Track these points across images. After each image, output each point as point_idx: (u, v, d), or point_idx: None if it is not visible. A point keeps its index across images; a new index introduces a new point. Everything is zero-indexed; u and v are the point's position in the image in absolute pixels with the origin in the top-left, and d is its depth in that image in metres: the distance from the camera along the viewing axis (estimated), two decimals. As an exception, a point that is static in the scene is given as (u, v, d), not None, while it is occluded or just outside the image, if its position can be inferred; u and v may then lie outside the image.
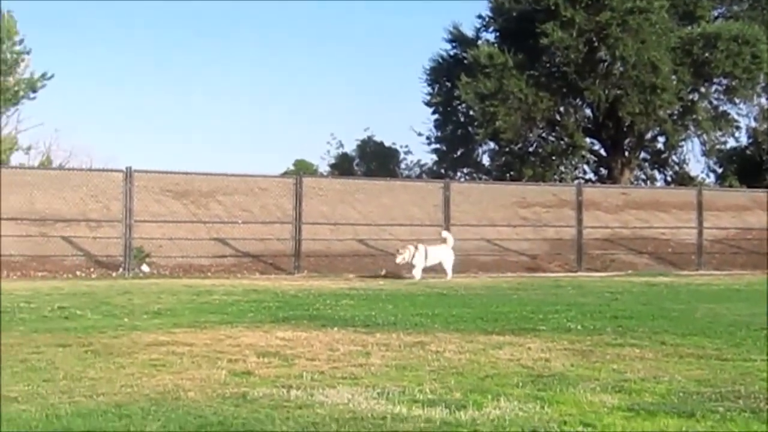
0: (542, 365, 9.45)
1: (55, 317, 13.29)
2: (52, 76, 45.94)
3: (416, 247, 23.05)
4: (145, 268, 23.02)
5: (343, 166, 49.44)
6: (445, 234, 24.11)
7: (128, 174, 23.13)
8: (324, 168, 50.57)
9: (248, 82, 75.66)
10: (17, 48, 45.26)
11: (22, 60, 45.60)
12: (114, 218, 24.08)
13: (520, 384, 8.38)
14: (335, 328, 12.18)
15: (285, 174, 40.29)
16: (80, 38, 72.88)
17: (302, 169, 45.44)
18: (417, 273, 22.88)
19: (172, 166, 47.65)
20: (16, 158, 46.14)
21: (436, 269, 23.50)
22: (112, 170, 26.03)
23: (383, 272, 24.49)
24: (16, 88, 45.60)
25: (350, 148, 51.12)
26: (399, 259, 23.01)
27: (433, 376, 8.76)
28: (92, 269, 22.95)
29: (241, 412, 7.18)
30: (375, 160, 49.41)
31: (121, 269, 22.70)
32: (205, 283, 20.50)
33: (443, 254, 23.55)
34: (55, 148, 48.17)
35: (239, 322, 12.86)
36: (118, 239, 23.29)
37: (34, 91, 46.03)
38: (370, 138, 50.35)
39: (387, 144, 50.45)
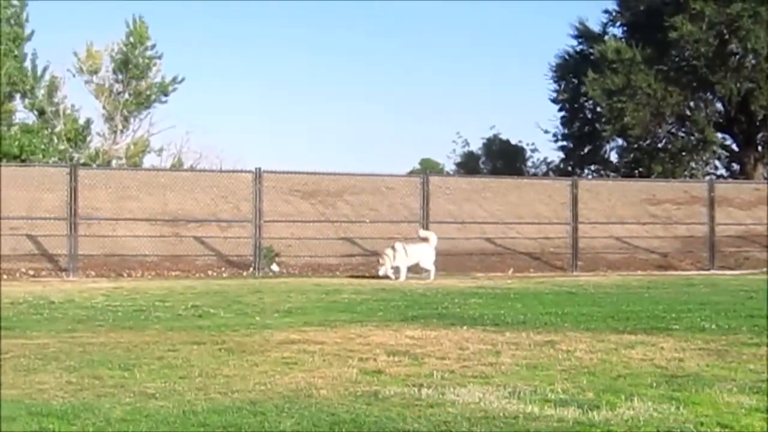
0: (676, 365, 9.29)
1: (189, 316, 13.57)
2: (183, 80, 47.05)
3: (393, 248, 21.68)
4: (274, 267, 23.32)
5: (469, 165, 49.35)
6: (424, 233, 22.73)
7: (258, 175, 23.46)
8: (450, 167, 50.60)
9: (374, 82, 76.14)
10: (149, 53, 46.38)
11: (154, 64, 46.72)
12: (244, 218, 24.45)
13: (654, 384, 8.25)
14: (464, 327, 12.16)
15: (411, 173, 40.41)
16: (210, 41, 74.23)
17: (428, 168, 45.50)
18: (402, 274, 21.50)
19: (300, 166, 48.25)
20: (149, 160, 47.38)
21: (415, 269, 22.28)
22: (241, 171, 26.46)
23: (510, 271, 24.36)
24: (148, 92, 46.74)
25: (476, 146, 51.05)
26: (382, 271, 21.49)
27: (564, 376, 8.68)
28: (223, 269, 23.36)
29: (372, 410, 7.23)
30: (501, 158, 49.19)
31: (251, 268, 23.04)
32: (333, 282, 20.70)
33: (423, 253, 22.01)
34: (186, 150, 49.27)
35: (369, 320, 12.94)
36: (248, 239, 23.64)
37: (166, 95, 47.16)
38: (495, 136, 50.18)
39: (513, 142, 50.21)
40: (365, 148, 72.05)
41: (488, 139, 50.27)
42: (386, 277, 21.28)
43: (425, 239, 22.20)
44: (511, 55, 78.97)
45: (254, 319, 13.03)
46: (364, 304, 15.27)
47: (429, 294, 17.44)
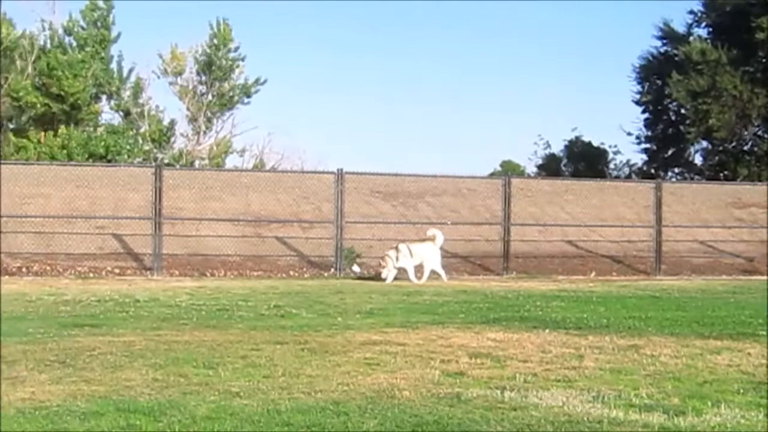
0: (764, 372, 9.13)
1: (271, 315, 13.67)
2: (265, 81, 47.43)
3: (397, 249, 21.11)
4: (356, 268, 23.36)
5: (550, 167, 48.98)
6: (432, 232, 22.14)
7: (339, 176, 23.56)
8: (531, 169, 50.24)
9: (455, 83, 75.97)
10: (232, 55, 46.85)
11: (237, 66, 47.19)
12: (326, 219, 24.57)
13: (741, 391, 8.13)
14: (546, 330, 12.09)
15: (492, 175, 40.26)
16: (292, 42, 74.73)
17: (510, 170, 45.29)
18: (410, 275, 21.04)
19: (382, 167, 48.27)
20: (231, 161, 47.86)
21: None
22: (323, 172, 26.60)
23: (593, 274, 24.16)
24: (231, 94, 47.22)
25: (558, 148, 50.61)
26: (385, 273, 20.89)
27: (648, 381, 8.59)
28: (305, 269, 23.49)
29: (455, 412, 7.22)
30: (583, 161, 48.74)
31: (332, 269, 23.14)
32: (415, 283, 20.70)
33: (427, 253, 21.47)
34: (267, 151, 49.69)
35: (450, 322, 12.93)
36: (329, 240, 23.74)
37: (248, 96, 47.60)
38: (578, 138, 49.71)
39: (595, 144, 49.72)
40: (446, 149, 71.85)
41: (570, 141, 49.85)
42: (393, 278, 20.86)
43: (431, 239, 21.72)
44: (594, 56, 78.25)
45: (336, 320, 13.09)
46: (446, 306, 15.26)
47: (510, 296, 17.37)
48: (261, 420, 6.88)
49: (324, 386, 8.19)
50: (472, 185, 29.76)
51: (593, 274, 24.26)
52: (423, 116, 75.18)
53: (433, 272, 21.43)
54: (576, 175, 45.93)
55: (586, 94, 76.10)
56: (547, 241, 26.70)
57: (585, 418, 7.04)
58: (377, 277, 20.99)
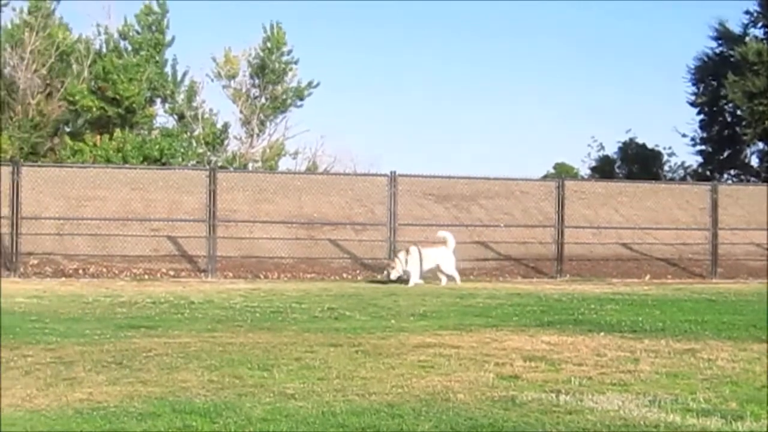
0: (823, 376, 9.01)
1: (325, 318, 13.71)
2: (318, 84, 47.54)
3: (407, 251, 20.92)
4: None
5: (604, 169, 48.64)
6: (443, 234, 21.73)
7: (392, 178, 23.58)
8: (584, 171, 49.92)
9: (508, 84, 75.75)
10: (285, 58, 47.03)
11: (290, 69, 47.36)
12: (378, 221, 24.60)
13: (801, 395, 8.03)
14: (601, 333, 12.01)
15: (545, 177, 40.08)
16: (344, 45, 74.92)
17: (563, 172, 45.06)
18: (413, 278, 20.67)
19: (434, 169, 48.14)
20: (284, 163, 48.01)
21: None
22: (376, 175, 26.61)
23: (647, 277, 23.98)
24: (284, 97, 47.39)
25: (611, 150, 50.25)
26: (394, 275, 20.76)
27: (706, 385, 8.50)
28: (358, 271, 23.53)
29: (510, 415, 7.19)
30: (637, 163, 48.34)
31: (385, 271, 23.13)
32: (467, 285, 20.67)
33: (441, 256, 21.16)
34: (320, 154, 49.75)
35: (504, 325, 12.89)
36: (382, 242, 23.77)
37: (301, 99, 47.73)
38: (631, 140, 49.30)
39: (649, 146, 49.29)
40: (499, 151, 71.65)
41: (624, 143, 49.46)
42: (402, 281, 20.64)
43: (444, 241, 21.37)
44: (648, 57, 77.65)
45: (390, 322, 13.10)
46: (499, 309, 15.22)
47: (564, 299, 17.28)
48: (316, 422, 6.90)
49: (378, 388, 8.19)
50: (525, 187, 29.65)
51: (648, 277, 24.08)
52: (476, 118, 74.99)
53: (448, 276, 21.13)
54: (630, 177, 45.58)
55: (641, 95, 75.50)
56: (601, 243, 26.55)
57: (641, 423, 6.98)
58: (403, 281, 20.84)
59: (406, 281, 20.57)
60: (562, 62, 75.17)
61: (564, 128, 73.18)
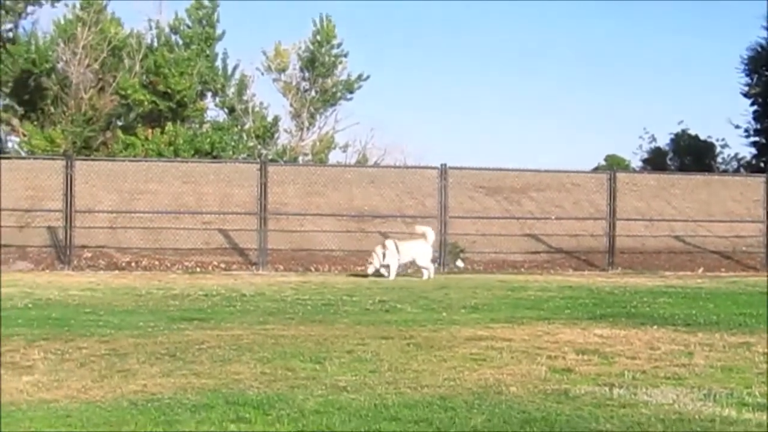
0: None
1: (376, 310, 13.71)
2: (368, 77, 47.61)
3: (384, 246, 20.31)
4: (459, 263, 23.34)
5: (655, 161, 48.26)
6: (421, 228, 21.04)
7: (443, 171, 23.51)
8: (636, 163, 49.55)
9: (558, 76, 75.38)
10: (335, 51, 47.13)
11: (340, 62, 47.45)
12: (429, 214, 24.53)
13: None
14: (654, 327, 11.92)
15: (596, 169, 39.82)
16: (394, 38, 74.89)
17: (614, 164, 44.75)
18: (392, 272, 20.11)
19: (484, 162, 47.92)
20: (334, 156, 48.13)
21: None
22: (427, 167, 26.53)
23: (700, 270, 23.76)
24: (334, 90, 47.50)
25: (663, 142, 49.84)
26: (371, 270, 20.19)
27: (761, 379, 8.42)
28: (408, 264, 23.47)
29: (563, 408, 7.16)
30: (690, 155, 47.91)
31: (436, 264, 23.07)
32: (518, 278, 20.59)
33: (418, 250, 20.58)
34: (370, 146, 49.81)
35: (556, 318, 12.82)
36: (433, 235, 23.70)
37: (351, 92, 47.83)
38: (684, 131, 48.87)
39: (702, 137, 48.83)
40: (550, 144, 71.34)
41: (676, 135, 49.05)
42: (379, 275, 20.12)
43: (422, 235, 20.82)
44: (700, 48, 76.86)
45: (441, 315, 13.08)
46: (551, 302, 15.14)
47: (616, 292, 17.16)
48: (368, 414, 6.91)
49: (430, 381, 8.18)
50: (576, 180, 29.50)
51: (701, 269, 23.85)
52: (526, 110, 74.67)
53: (421, 267, 20.54)
54: (682, 169, 45.19)
55: (693, 86, 74.78)
56: (653, 236, 26.31)
57: (696, 417, 6.92)
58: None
59: (386, 276, 20.10)
60: (615, 53, 74.65)
61: (615, 120, 72.74)
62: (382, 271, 20.18)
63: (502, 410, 7.06)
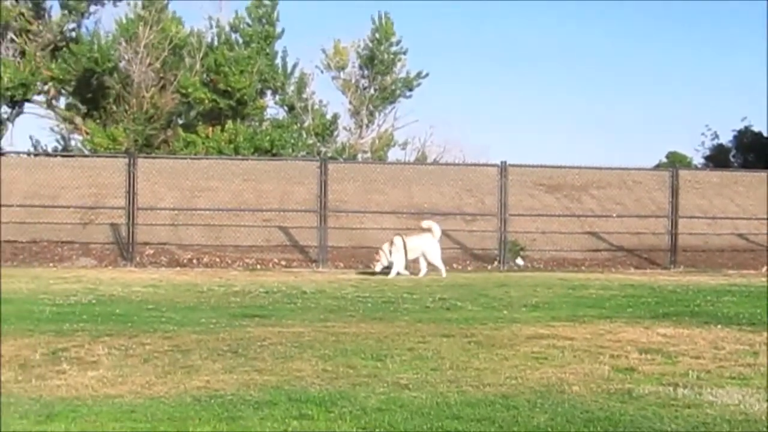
0: None
1: (436, 308, 13.68)
2: (426, 75, 47.54)
3: (391, 242, 19.92)
4: (519, 261, 23.25)
5: (718, 158, 47.74)
6: (427, 223, 20.63)
7: (503, 168, 23.41)
8: (698, 160, 49.03)
9: (618, 73, 74.77)
10: (394, 49, 47.13)
11: (399, 60, 47.44)
12: (488, 212, 24.45)
13: None
14: (718, 326, 11.76)
15: (658, 166, 39.47)
16: (452, 35, 74.73)
17: (676, 161, 44.31)
18: (399, 268, 19.74)
19: (544, 159, 47.68)
20: (393, 154, 48.13)
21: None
22: (486, 165, 26.44)
23: (765, 269, 23.43)
24: (393, 87, 47.51)
25: (726, 138, 49.29)
26: (379, 267, 19.83)
27: (830, 380, 8.29)
28: (468, 262, 23.44)
29: (627, 408, 7.11)
30: (753, 151, 47.30)
31: (496, 262, 23.03)
32: (579, 276, 20.44)
33: (426, 245, 20.14)
34: (429, 144, 49.74)
35: (618, 317, 12.70)
36: (493, 233, 23.62)
37: (410, 90, 47.80)
38: (747, 128, 48.27)
39: (765, 134, 48.18)
40: (610, 140, 70.77)
41: (739, 132, 48.47)
42: (384, 273, 19.71)
43: (428, 230, 20.37)
44: (763, 43, 75.75)
45: (502, 313, 13.02)
46: (613, 300, 15.02)
47: (679, 291, 16.97)
48: (431, 412, 6.90)
49: (492, 379, 8.16)
50: (637, 177, 29.25)
51: (765, 268, 23.52)
52: (586, 107, 74.23)
53: (431, 266, 20.19)
54: (746, 166, 44.65)
55: (757, 82, 73.80)
56: (716, 234, 26.00)
57: (763, 417, 6.84)
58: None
59: (398, 273, 19.80)
60: (675, 50, 73.92)
61: (677, 117, 72.04)
62: (388, 268, 19.80)
63: (565, 409, 7.02)
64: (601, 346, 10.06)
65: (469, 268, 22.68)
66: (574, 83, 74.78)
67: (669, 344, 10.26)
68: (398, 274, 19.75)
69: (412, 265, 20.23)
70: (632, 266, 23.62)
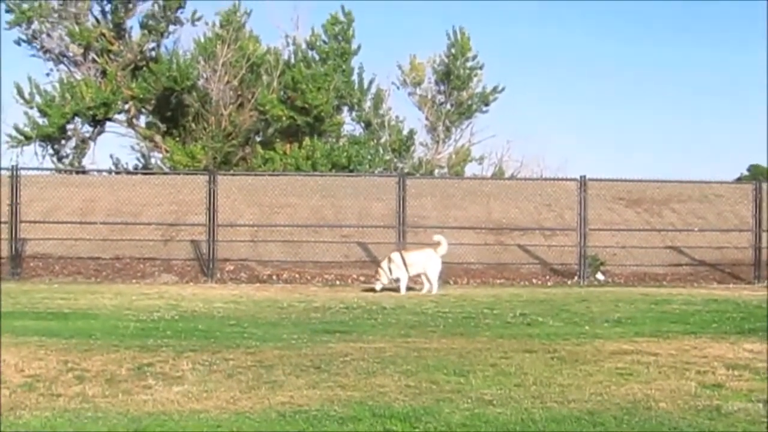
0: None
1: (517, 323, 13.60)
2: (503, 90, 47.44)
3: (390, 259, 19.37)
4: (600, 276, 23.03)
5: (801, 171, 46.92)
6: (438, 238, 19.93)
7: (582, 182, 23.23)
8: (781, 173, 48.24)
9: (698, 84, 73.88)
10: (470, 64, 47.11)
11: (475, 75, 47.42)
12: (568, 226, 24.29)
13: None
14: (806, 342, 11.53)
15: (740, 180, 38.92)
16: (529, 49, 74.44)
17: (758, 174, 43.61)
18: (402, 287, 19.14)
19: (624, 173, 47.32)
20: (470, 169, 48.07)
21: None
22: (565, 179, 26.30)
23: None
24: (469, 102, 47.48)
25: (809, 150, 48.46)
26: (378, 286, 19.24)
27: None
28: (548, 277, 23.30)
29: (716, 425, 7.00)
30: (837, 163, 46.45)
31: (576, 277, 22.85)
32: (661, 291, 20.17)
33: (426, 261, 19.47)
34: (506, 159, 49.59)
35: (703, 332, 12.51)
36: (572, 247, 23.44)
37: (487, 105, 47.72)
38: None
39: None
40: (690, 154, 69.89)
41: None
42: (387, 289, 19.20)
43: (435, 245, 19.73)
44: None
45: (584, 329, 12.90)
46: (697, 315, 14.79)
47: (764, 306, 16.66)
48: (516, 429, 6.87)
49: (577, 396, 8.08)
50: (719, 191, 28.84)
51: None
52: (666, 120, 73.40)
53: (428, 280, 19.57)
54: (829, 178, 43.81)
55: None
56: (802, 248, 25.50)
57: None
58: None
59: (396, 290, 19.23)
60: (756, 60, 72.86)
61: (758, 128, 70.89)
62: (395, 286, 19.35)
63: (652, 426, 6.94)
64: (687, 362, 9.91)
65: (549, 284, 22.54)
66: (652, 96, 74.07)
67: (756, 360, 10.08)
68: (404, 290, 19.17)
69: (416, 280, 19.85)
70: (715, 281, 23.29)
